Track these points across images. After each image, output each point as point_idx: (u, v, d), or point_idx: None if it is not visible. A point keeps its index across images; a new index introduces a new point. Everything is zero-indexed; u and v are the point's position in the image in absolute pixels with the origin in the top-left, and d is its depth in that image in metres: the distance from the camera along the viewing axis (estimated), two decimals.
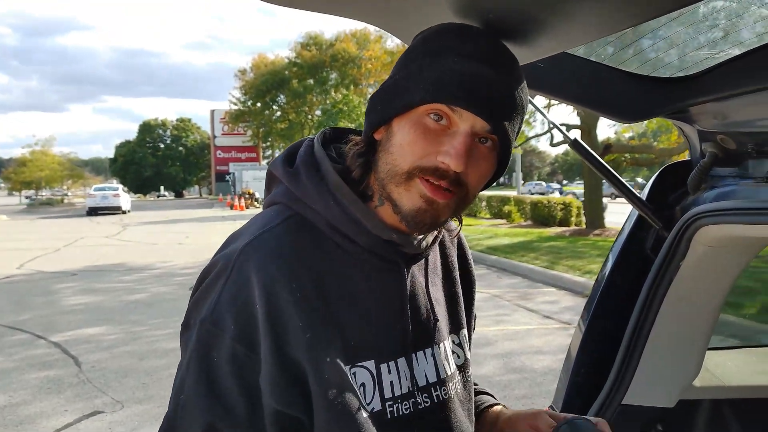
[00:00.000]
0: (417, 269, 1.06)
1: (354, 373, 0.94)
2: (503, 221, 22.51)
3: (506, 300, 8.86)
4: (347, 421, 0.92)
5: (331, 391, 0.91)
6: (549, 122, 1.55)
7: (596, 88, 1.40)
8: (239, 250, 0.93)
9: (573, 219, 19.42)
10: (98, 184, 54.88)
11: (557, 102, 17.40)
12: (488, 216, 24.99)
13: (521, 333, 7.00)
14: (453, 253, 1.19)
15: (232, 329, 0.89)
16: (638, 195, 1.52)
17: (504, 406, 1.26)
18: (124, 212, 36.74)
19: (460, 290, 1.17)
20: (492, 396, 1.31)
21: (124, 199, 38.09)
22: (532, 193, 35.98)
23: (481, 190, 0.97)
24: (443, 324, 1.10)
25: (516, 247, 14.13)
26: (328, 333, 0.92)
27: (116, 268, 12.78)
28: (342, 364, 0.92)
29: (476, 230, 18.50)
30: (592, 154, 1.44)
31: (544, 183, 71.14)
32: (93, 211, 36.05)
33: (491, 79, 0.88)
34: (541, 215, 20.34)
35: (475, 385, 1.31)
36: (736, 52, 1.22)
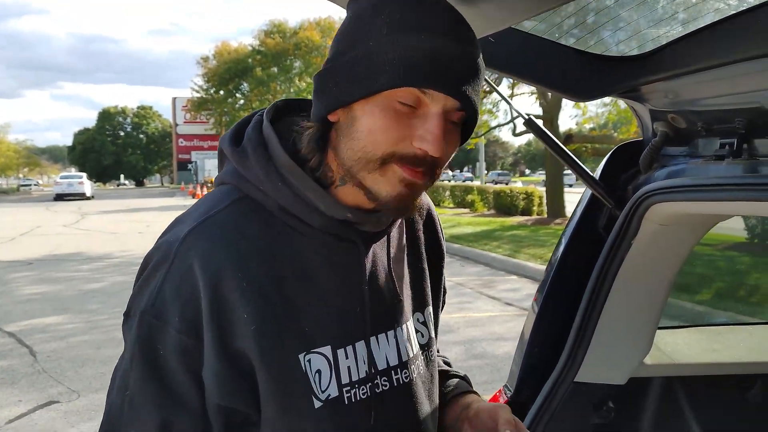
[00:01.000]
0: (379, 247, 1.01)
1: (309, 360, 0.90)
2: (466, 210, 22.67)
3: (469, 288, 8.93)
4: (295, 412, 0.89)
5: (279, 382, 0.88)
6: (505, 100, 1.55)
7: (550, 67, 1.40)
8: (182, 237, 0.87)
9: (535, 208, 19.66)
10: (56, 172, 55.85)
11: (521, 93, 17.63)
12: (452, 205, 25.14)
13: (483, 320, 7.06)
14: (420, 226, 1.14)
15: (177, 322, 0.85)
16: (591, 174, 1.54)
17: (477, 393, 1.17)
18: (88, 198, 40.04)
19: (426, 265, 1.12)
20: (465, 380, 1.22)
21: (88, 185, 41.74)
22: (449, 181, 34.87)
23: None
24: (407, 303, 1.05)
25: (479, 235, 14.24)
26: (279, 322, 0.88)
27: (74, 257, 12.50)
28: (294, 353, 0.89)
29: (440, 219, 18.55)
30: (546, 133, 1.44)
31: (451, 172, 66.40)
32: (60, 197, 39.00)
33: (457, 55, 0.84)
34: (503, 204, 20.53)
35: (448, 365, 1.25)
36: (688, 30, 1.22)
